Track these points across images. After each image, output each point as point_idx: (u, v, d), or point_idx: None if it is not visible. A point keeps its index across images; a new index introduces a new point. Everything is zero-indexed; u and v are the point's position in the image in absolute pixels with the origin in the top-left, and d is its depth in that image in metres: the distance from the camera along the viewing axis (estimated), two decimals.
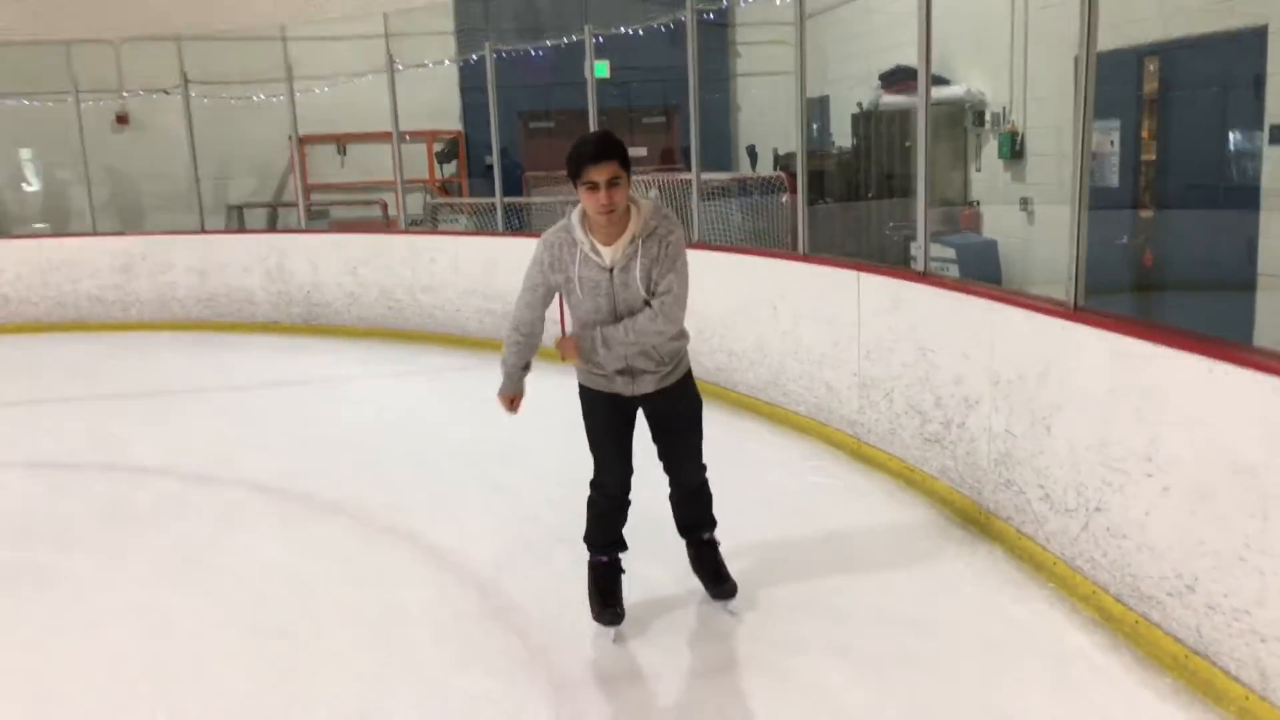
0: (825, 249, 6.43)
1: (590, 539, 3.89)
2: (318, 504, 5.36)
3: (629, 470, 3.76)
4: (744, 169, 12.44)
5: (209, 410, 7.48)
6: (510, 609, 4.08)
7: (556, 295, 3.73)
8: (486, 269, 8.96)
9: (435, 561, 4.58)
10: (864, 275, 5.45)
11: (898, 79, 9.42)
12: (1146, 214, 6.67)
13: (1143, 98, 6.64)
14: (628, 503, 3.82)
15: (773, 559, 4.46)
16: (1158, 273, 6.58)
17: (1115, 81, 6.94)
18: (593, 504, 3.84)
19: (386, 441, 6.45)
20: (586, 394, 3.74)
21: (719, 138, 14.07)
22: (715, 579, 3.97)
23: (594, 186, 3.27)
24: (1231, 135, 6.07)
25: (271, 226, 13.38)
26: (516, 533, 4.83)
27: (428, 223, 11.15)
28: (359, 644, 3.87)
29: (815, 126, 13.68)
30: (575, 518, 3.96)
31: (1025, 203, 8.16)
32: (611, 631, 3.77)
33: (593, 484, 3.80)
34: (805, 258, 6.07)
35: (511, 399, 3.88)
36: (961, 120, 9.07)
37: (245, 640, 3.94)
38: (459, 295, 9.17)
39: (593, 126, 8.06)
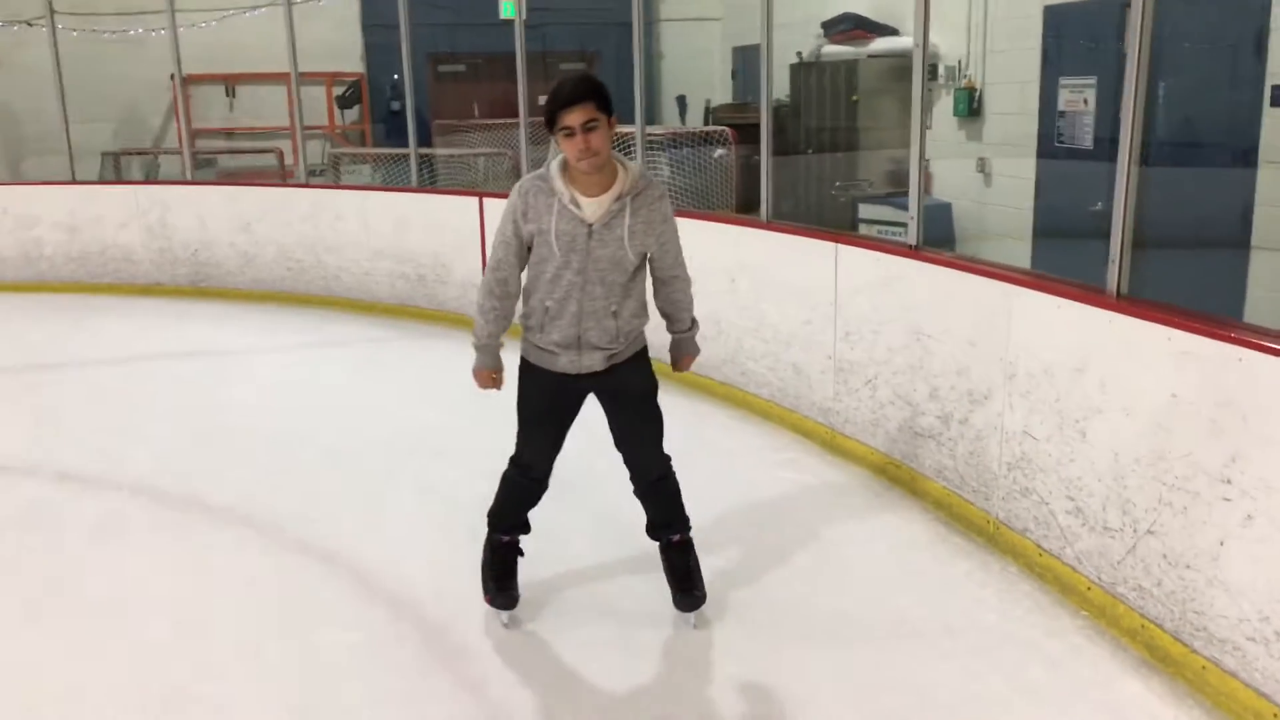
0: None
1: (497, 516, 3.63)
2: (213, 512, 4.56)
3: (555, 455, 3.49)
4: (670, 121, 11.73)
5: (81, 391, 6.51)
6: (460, 654, 3.39)
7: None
8: (398, 228, 8.12)
9: (361, 589, 3.85)
10: (844, 248, 4.85)
11: (843, 27, 8.80)
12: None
13: (1124, 52, 6.15)
14: (546, 487, 3.56)
15: (747, 568, 3.89)
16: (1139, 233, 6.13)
17: (1093, 34, 6.44)
18: (510, 482, 3.58)
19: (293, 429, 5.64)
20: (526, 368, 3.39)
21: (644, 87, 13.31)
22: (679, 586, 3.58)
23: (570, 132, 2.99)
24: (1225, 94, 5.61)
25: (152, 177, 12.17)
26: (457, 546, 4.11)
27: (329, 174, 10.19)
28: (267, 711, 3.15)
29: (739, 77, 13.04)
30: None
31: (982, 163, 7.65)
32: (504, 615, 3.57)
33: (514, 461, 3.54)
34: (771, 225, 5.44)
35: (491, 375, 3.47)
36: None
37: (124, 714, 3.18)
38: (368, 257, 8.32)
39: (520, 72, 7.26)
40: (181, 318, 8.41)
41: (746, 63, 12.59)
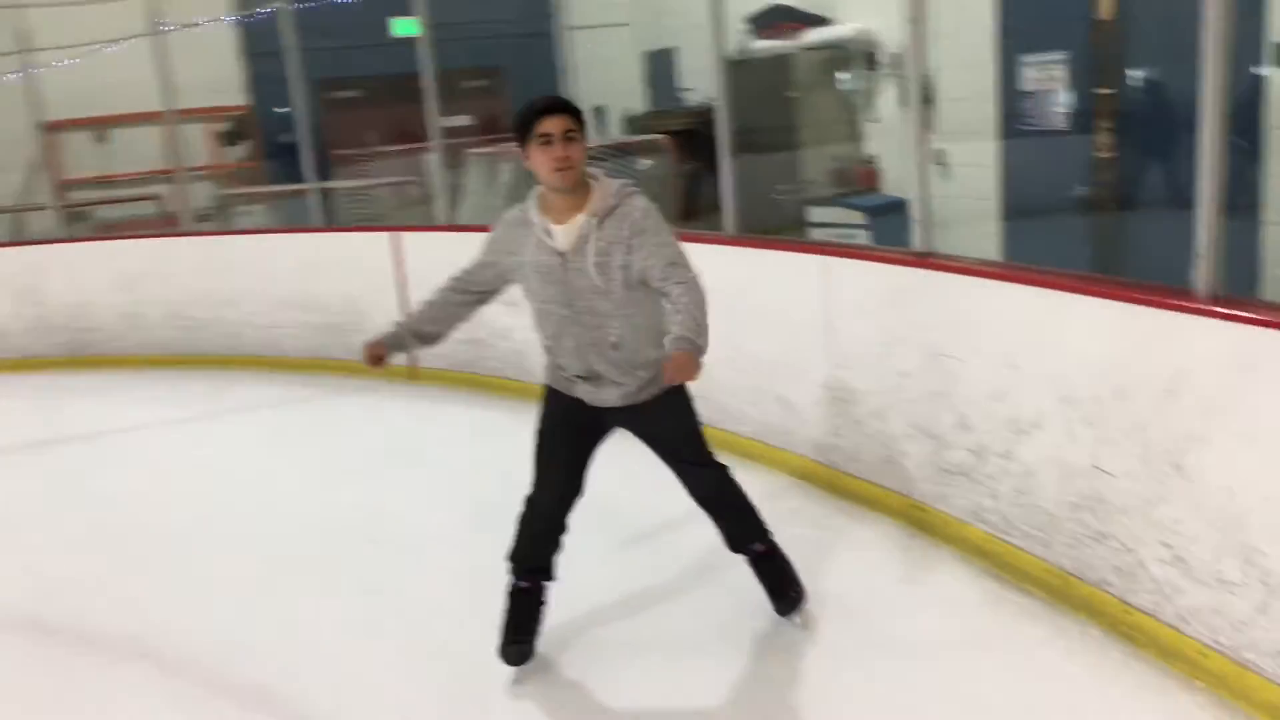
0: (707, 218, 5.19)
1: (515, 557, 3.30)
2: (102, 643, 3.70)
3: (572, 493, 3.20)
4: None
5: None
6: None
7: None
8: (304, 273, 7.26)
9: None
10: (834, 261, 4.19)
11: (771, 21, 8.21)
12: (1106, 155, 5.68)
13: (1095, 22, 5.65)
14: (564, 529, 3.26)
15: (779, 658, 3.19)
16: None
17: (1056, 8, 5.93)
18: (521, 521, 3.29)
19: (197, 524, 4.76)
20: (544, 396, 3.23)
21: None
22: (772, 593, 3.46)
23: (547, 140, 2.85)
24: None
25: (18, 237, 11.04)
26: (426, 678, 3.34)
27: (220, 219, 9.24)
28: None
29: (654, 84, 12.42)
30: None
31: (938, 155, 7.08)
32: (514, 671, 3.24)
33: (527, 498, 3.25)
34: (739, 240, 4.76)
35: (377, 352, 3.22)
36: (849, 65, 7.95)
37: None
38: (272, 308, 7.43)
39: (429, 92, 6.49)
40: (60, 394, 7.43)
41: (660, 68, 11.98)
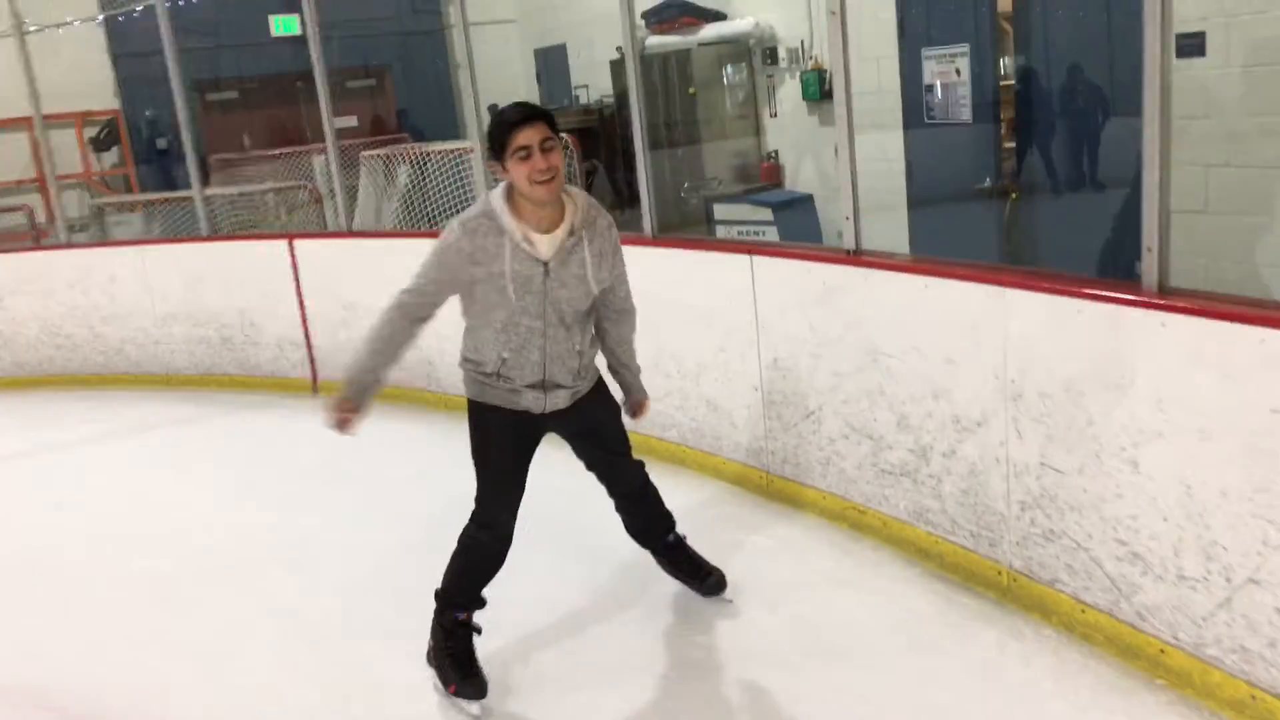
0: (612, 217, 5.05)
1: (454, 591, 3.16)
2: None
3: (518, 503, 3.14)
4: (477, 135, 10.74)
5: None
6: None
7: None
8: (190, 285, 6.86)
9: None
10: (761, 260, 4.09)
11: (667, 15, 8.11)
12: (1009, 145, 5.73)
13: (995, 13, 5.69)
14: (510, 544, 3.16)
15: (729, 664, 3.07)
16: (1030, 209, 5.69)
17: (956, 1, 5.96)
18: (472, 547, 3.14)
19: (87, 560, 4.42)
20: (481, 411, 3.09)
21: (441, 100, 12.30)
22: (699, 574, 3.57)
23: (525, 152, 2.78)
24: (1115, 50, 5.19)
25: None
26: (358, 700, 3.14)
27: (94, 230, 8.73)
28: None
29: (543, 81, 12.23)
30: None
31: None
32: (475, 706, 3.06)
33: (479, 523, 3.12)
34: (659, 241, 4.63)
35: (351, 413, 3.00)
36: (748, 59, 7.90)
37: None
38: (157, 323, 7.02)
39: (321, 92, 6.17)
40: None
41: (550, 65, 11.80)
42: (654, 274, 4.57)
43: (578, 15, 10.69)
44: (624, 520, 3.53)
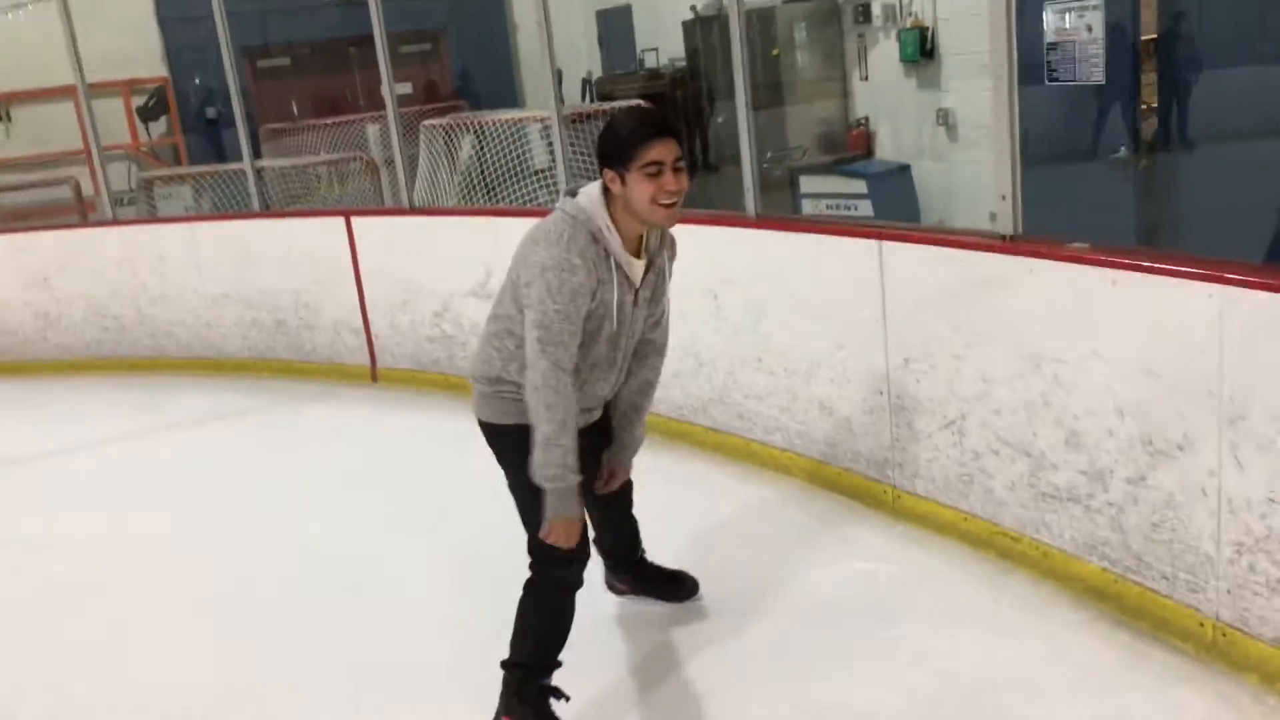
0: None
1: (543, 652, 2.72)
2: None
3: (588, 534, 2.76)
4: (544, 102, 10.18)
5: None
6: None
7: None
8: (242, 264, 6.44)
9: None
10: (893, 246, 3.54)
11: None
12: (1148, 104, 5.11)
13: None
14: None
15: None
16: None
17: None
18: (556, 591, 2.72)
19: (131, 578, 3.99)
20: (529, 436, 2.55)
21: (499, 65, 11.78)
22: (673, 580, 3.31)
23: (658, 169, 2.47)
24: None
25: None
26: None
27: (142, 205, 8.33)
28: None
29: (605, 45, 11.67)
30: None
31: (944, 116, 6.49)
32: None
33: (555, 561, 2.64)
34: (763, 222, 4.10)
35: (578, 526, 2.62)
36: (837, 16, 7.29)
37: None
38: (208, 304, 6.61)
39: (381, 57, 5.68)
40: None
41: (612, 27, 11.22)
42: (757, 260, 4.08)
43: None
44: (607, 546, 3.19)
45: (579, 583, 2.74)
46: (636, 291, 2.62)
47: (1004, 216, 3.22)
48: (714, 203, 5.01)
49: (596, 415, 2.81)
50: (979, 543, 3.45)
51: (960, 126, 6.43)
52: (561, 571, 2.68)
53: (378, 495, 4.53)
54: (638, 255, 2.59)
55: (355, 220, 5.96)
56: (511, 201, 6.53)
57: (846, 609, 3.24)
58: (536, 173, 6.87)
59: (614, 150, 2.48)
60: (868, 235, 3.62)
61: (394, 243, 5.83)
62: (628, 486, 3.10)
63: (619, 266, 2.54)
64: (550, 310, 2.43)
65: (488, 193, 6.89)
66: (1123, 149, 5.18)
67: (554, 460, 2.46)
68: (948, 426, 3.47)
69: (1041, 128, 5.66)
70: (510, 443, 2.63)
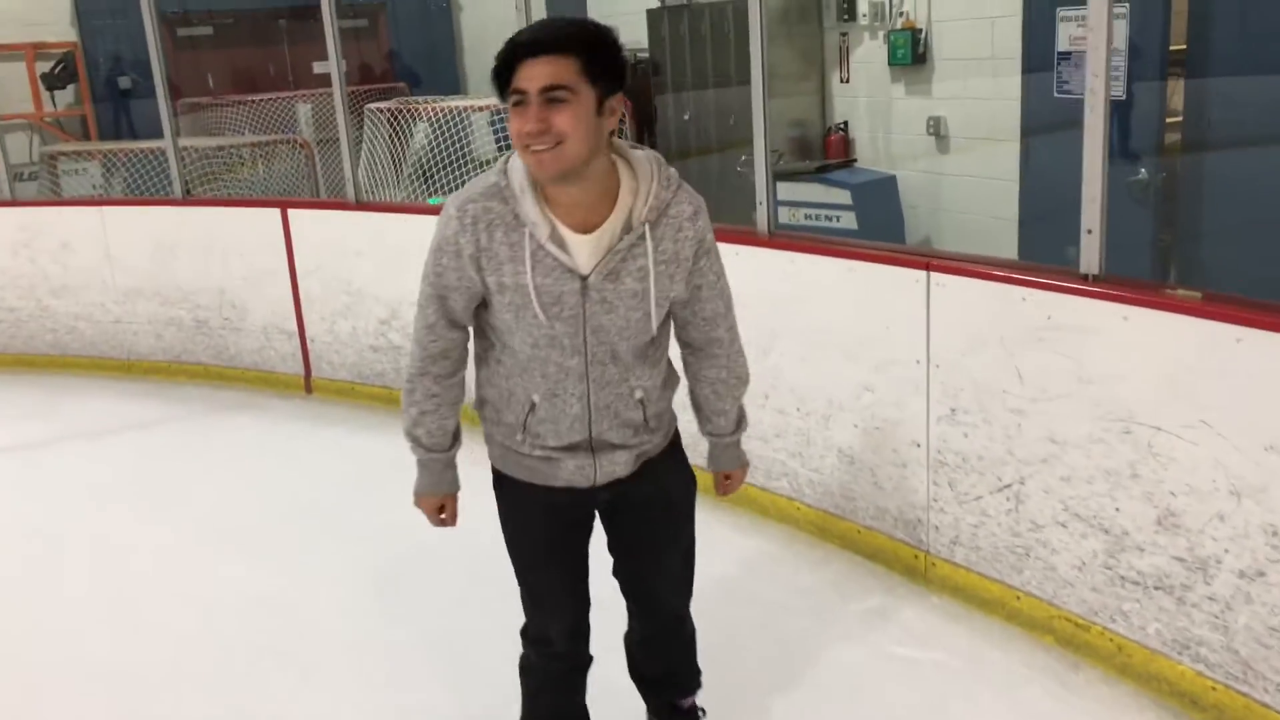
0: None
1: None
2: None
3: (585, 609, 2.25)
4: (483, 90, 9.55)
5: None
6: None
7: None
8: (159, 255, 5.72)
9: None
10: (944, 278, 3.06)
11: None
12: (1171, 131, 4.72)
13: None
14: (587, 662, 2.32)
15: None
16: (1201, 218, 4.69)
17: None
18: (532, 672, 2.33)
19: (11, 629, 3.36)
20: (510, 490, 2.16)
21: (440, 46, 11.10)
22: None
23: (520, 99, 1.78)
24: None
25: None
26: None
27: (44, 182, 7.50)
28: None
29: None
30: None
31: (935, 125, 6.08)
32: None
33: (528, 639, 2.29)
34: (778, 241, 3.59)
35: (441, 503, 2.20)
36: (817, 12, 6.83)
37: None
38: (118, 298, 5.89)
39: (329, 28, 5.03)
40: None
41: (568, 11, 10.59)
42: (769, 283, 3.56)
43: None
44: (634, 658, 2.48)
45: (551, 665, 2.28)
46: (585, 280, 1.91)
47: (1088, 254, 2.76)
48: None
49: (618, 466, 2.09)
50: (1034, 626, 3.00)
51: (952, 137, 6.01)
52: (527, 648, 2.29)
53: (310, 532, 3.93)
54: (590, 229, 1.89)
55: (293, 213, 5.30)
56: (450, 189, 5.93)
57: (893, 711, 2.76)
58: (483, 164, 6.29)
59: (494, 73, 1.82)
60: (912, 264, 3.13)
61: (337, 240, 5.19)
62: (678, 596, 2.36)
63: (537, 241, 1.88)
64: (422, 278, 2.03)
65: (425, 183, 6.29)
66: (1143, 171, 4.77)
67: (404, 422, 2.13)
68: (1002, 490, 3.01)
69: (1058, 150, 5.28)
70: (495, 486, 2.20)
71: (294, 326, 5.43)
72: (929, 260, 3.11)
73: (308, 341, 5.43)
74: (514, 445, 2.08)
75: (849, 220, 6.03)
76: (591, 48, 1.78)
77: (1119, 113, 4.92)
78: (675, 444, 2.24)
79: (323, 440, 4.91)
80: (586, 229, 1.89)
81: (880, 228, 6.07)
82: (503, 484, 2.17)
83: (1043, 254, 5.16)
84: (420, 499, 2.20)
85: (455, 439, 2.16)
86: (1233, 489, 2.45)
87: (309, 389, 5.48)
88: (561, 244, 1.89)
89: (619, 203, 1.91)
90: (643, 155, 1.96)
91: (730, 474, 2.35)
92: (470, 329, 2.07)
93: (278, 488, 4.40)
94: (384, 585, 3.50)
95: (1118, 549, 2.74)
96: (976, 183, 5.90)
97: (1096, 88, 2.71)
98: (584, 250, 1.90)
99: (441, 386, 2.08)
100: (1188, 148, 4.69)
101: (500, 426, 2.10)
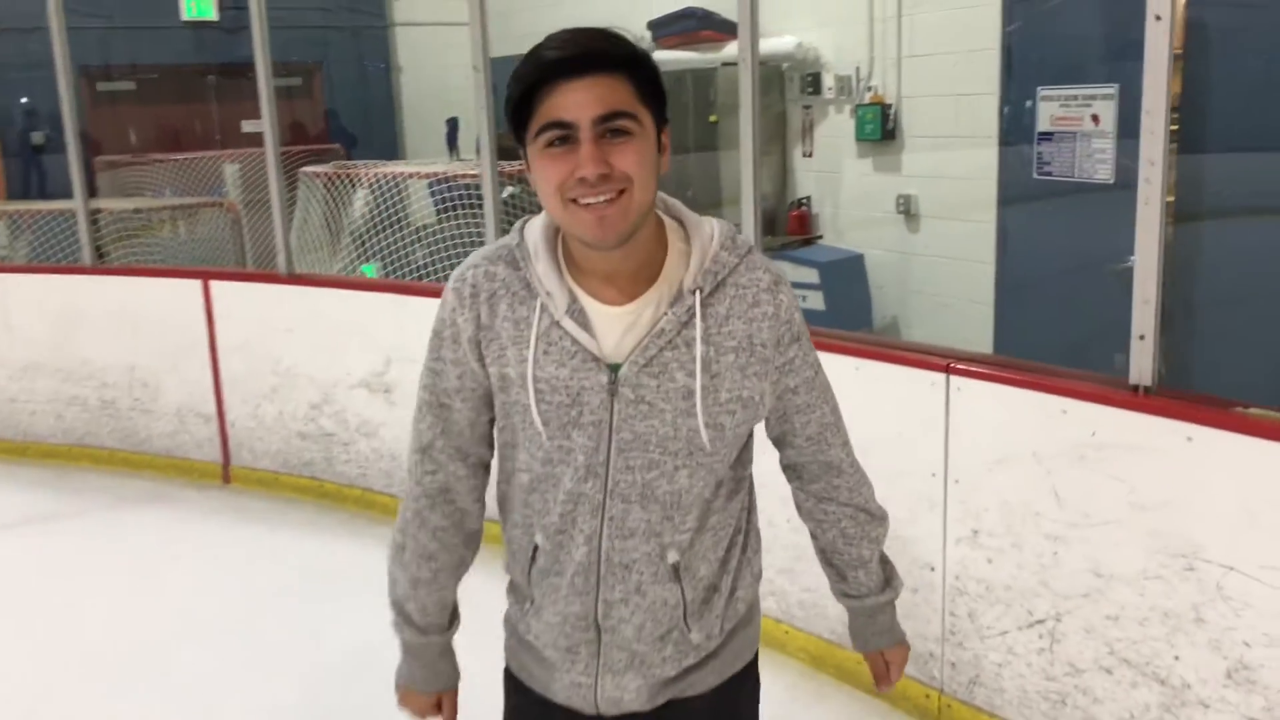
0: None
1: None
2: None
3: None
4: (431, 153, 9.17)
5: None
6: None
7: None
8: (62, 327, 5.18)
9: None
10: (967, 383, 2.71)
11: (683, 29, 6.73)
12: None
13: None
14: None
15: None
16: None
17: (1122, 23, 4.72)
18: None
19: None
20: (510, 694, 1.62)
21: (378, 109, 10.70)
22: None
23: (563, 134, 1.30)
24: None
25: None
26: None
27: None
28: None
29: (498, 95, 10.71)
30: None
31: (905, 203, 5.82)
32: None
33: None
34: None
35: (431, 703, 1.63)
36: (780, 84, 6.59)
37: None
38: (14, 373, 5.31)
39: (263, 88, 4.63)
40: None
41: (507, 77, 10.29)
42: None
43: (540, 23, 9.09)
44: None
45: None
46: (614, 374, 1.39)
47: (1139, 362, 2.42)
48: None
49: (629, 696, 1.51)
50: None
51: (923, 216, 5.75)
52: None
53: (226, 659, 3.40)
54: (624, 299, 1.40)
55: (215, 285, 4.81)
56: (387, 260, 5.49)
57: None
58: (421, 229, 5.88)
59: (508, 110, 1.35)
60: (931, 366, 2.78)
61: (265, 315, 4.71)
62: None
63: (551, 316, 1.39)
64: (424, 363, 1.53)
65: (362, 252, 5.85)
66: (1131, 258, 4.51)
67: (389, 588, 1.61)
68: (1033, 626, 2.64)
69: (1038, 234, 5.03)
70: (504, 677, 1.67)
71: (213, 409, 4.91)
72: (949, 362, 2.76)
73: (227, 426, 4.91)
74: (516, 620, 1.58)
75: (816, 300, 5.72)
76: (642, 64, 1.34)
77: (1105, 196, 4.71)
78: (747, 671, 1.60)
79: (242, 540, 4.38)
80: (619, 298, 1.40)
81: (850, 308, 5.78)
82: (506, 681, 1.65)
83: (1019, 341, 4.90)
84: (406, 695, 1.64)
85: (455, 616, 1.64)
86: None
87: (227, 478, 4.95)
88: (584, 321, 1.39)
89: (666, 268, 1.41)
90: (697, 219, 1.47)
91: (888, 656, 1.71)
92: (489, 464, 1.57)
93: (188, 600, 3.86)
94: (297, 696, 3.00)
95: (1177, 703, 2.37)
96: (948, 264, 5.64)
97: (1153, 177, 2.39)
98: (614, 329, 1.40)
99: (441, 544, 1.55)
100: (1181, 226, 4.47)
101: (511, 592, 1.60)
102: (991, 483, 2.68)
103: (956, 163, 5.49)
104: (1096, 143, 4.71)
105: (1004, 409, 2.64)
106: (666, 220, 1.45)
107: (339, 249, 5.65)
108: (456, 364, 1.46)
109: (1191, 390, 2.42)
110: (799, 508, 1.69)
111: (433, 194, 6.08)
